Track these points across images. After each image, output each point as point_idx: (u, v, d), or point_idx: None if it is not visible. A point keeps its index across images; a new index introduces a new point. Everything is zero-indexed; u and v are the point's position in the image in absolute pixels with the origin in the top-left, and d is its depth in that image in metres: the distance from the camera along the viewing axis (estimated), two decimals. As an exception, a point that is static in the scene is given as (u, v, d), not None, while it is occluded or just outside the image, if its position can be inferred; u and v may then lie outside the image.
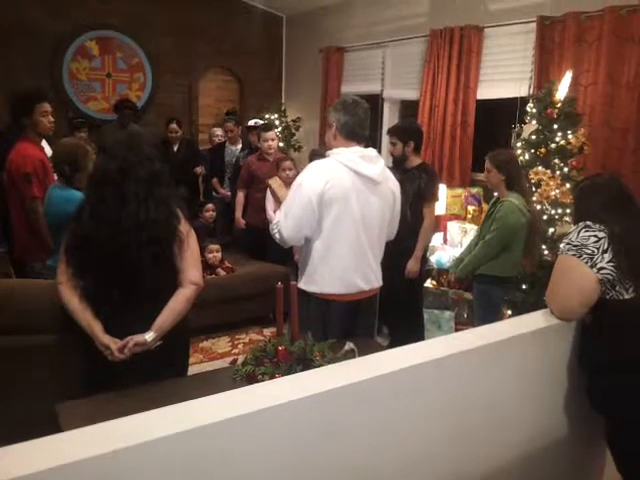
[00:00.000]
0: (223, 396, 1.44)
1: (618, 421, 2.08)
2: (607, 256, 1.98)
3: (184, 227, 2.30)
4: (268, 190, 4.39)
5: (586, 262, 1.99)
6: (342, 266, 2.70)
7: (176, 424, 1.28)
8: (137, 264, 2.17)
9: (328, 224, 2.64)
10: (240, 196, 5.41)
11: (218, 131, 6.81)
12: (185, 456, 1.29)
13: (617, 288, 2.00)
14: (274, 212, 2.92)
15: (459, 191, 5.27)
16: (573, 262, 2.02)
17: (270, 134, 5.24)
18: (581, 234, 2.04)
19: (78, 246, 2.23)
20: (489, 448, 2.03)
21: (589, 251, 1.99)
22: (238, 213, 5.43)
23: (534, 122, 4.08)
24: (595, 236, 2.01)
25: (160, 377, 2.19)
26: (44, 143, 3.83)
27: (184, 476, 1.30)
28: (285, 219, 2.64)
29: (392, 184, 2.86)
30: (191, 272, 2.30)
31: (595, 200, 2.14)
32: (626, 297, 2.00)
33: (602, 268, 1.97)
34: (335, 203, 2.60)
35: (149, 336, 2.18)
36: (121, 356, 2.14)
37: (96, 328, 2.17)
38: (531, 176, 3.96)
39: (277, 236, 2.71)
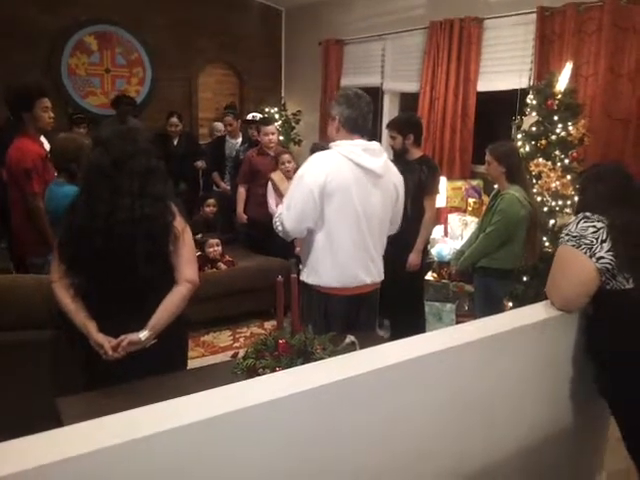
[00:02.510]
0: (222, 390, 1.44)
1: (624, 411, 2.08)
2: (606, 245, 1.98)
3: (179, 224, 2.25)
4: (270, 184, 4.41)
5: (585, 252, 1.99)
6: (344, 258, 2.70)
7: (175, 419, 1.28)
8: (131, 261, 2.13)
9: (330, 216, 2.64)
10: (241, 191, 5.41)
11: (220, 126, 6.79)
12: (183, 451, 1.29)
13: (618, 278, 2.00)
14: (277, 206, 2.92)
15: (459, 183, 5.26)
16: (572, 252, 2.02)
17: (270, 128, 5.24)
18: (580, 225, 2.05)
19: (71, 241, 2.19)
20: (490, 440, 2.03)
21: (587, 241, 1.99)
22: (240, 208, 5.43)
23: (534, 114, 4.07)
24: (594, 226, 2.01)
25: (158, 373, 2.17)
26: (42, 139, 3.82)
27: (183, 470, 1.30)
28: (287, 211, 2.64)
29: (395, 177, 2.85)
30: (186, 270, 2.26)
31: (599, 188, 2.14)
32: (627, 287, 2.00)
33: (601, 257, 1.97)
34: (336, 195, 2.60)
35: (143, 335, 2.14)
36: (115, 355, 2.11)
37: (90, 327, 2.15)
38: (532, 168, 3.95)
39: (280, 228, 2.71)
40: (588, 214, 2.05)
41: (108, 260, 2.15)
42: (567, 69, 4.00)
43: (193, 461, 1.31)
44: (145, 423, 1.27)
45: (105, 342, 2.12)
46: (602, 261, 1.97)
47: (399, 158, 4.05)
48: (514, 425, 2.09)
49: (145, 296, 2.19)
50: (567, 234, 2.07)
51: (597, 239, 1.98)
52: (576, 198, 3.85)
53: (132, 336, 2.13)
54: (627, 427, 2.11)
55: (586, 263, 1.98)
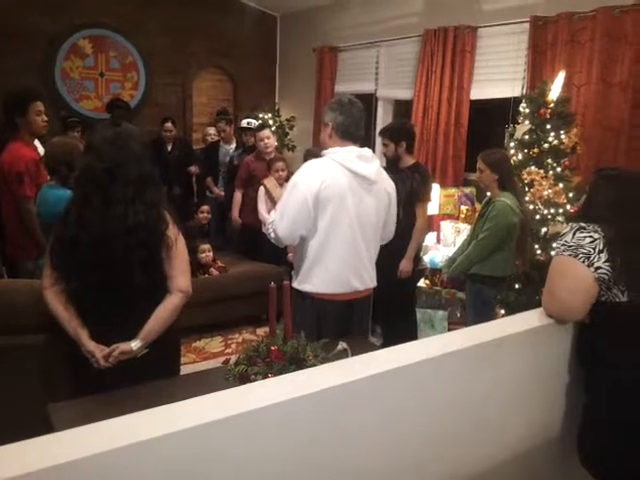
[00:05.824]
0: (214, 397, 1.43)
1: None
2: (603, 256, 1.97)
3: (172, 232, 2.23)
4: (260, 190, 4.40)
5: (583, 261, 1.98)
6: (337, 266, 2.70)
7: (167, 425, 1.28)
8: (124, 269, 2.11)
9: (324, 223, 2.63)
10: (238, 195, 5.41)
11: (211, 130, 6.79)
12: (176, 458, 1.28)
13: (613, 290, 2.00)
14: (268, 212, 2.91)
15: (452, 191, 5.28)
16: (570, 262, 2.01)
17: (264, 133, 5.23)
18: (576, 235, 2.04)
19: (63, 249, 2.16)
20: (483, 447, 2.03)
21: (585, 251, 1.99)
22: (235, 212, 5.42)
23: (527, 122, 4.09)
24: (590, 237, 2.01)
25: (151, 380, 2.15)
26: (37, 142, 3.81)
27: (175, 478, 1.30)
28: (280, 219, 2.63)
29: (387, 184, 2.86)
30: (179, 279, 2.24)
31: (612, 192, 2.12)
32: (621, 300, 2.00)
33: (599, 267, 1.97)
34: (331, 202, 2.60)
35: (135, 344, 2.14)
36: (107, 364, 2.11)
37: (82, 335, 2.13)
38: (524, 176, 3.97)
39: (272, 235, 2.70)
40: (583, 225, 2.05)
41: (101, 268, 2.13)
42: (560, 78, 4.02)
43: (184, 468, 1.30)
44: (136, 429, 1.26)
45: (97, 351, 2.11)
46: (599, 271, 1.96)
47: (392, 165, 4.07)
48: (508, 431, 2.09)
49: (137, 304, 2.18)
50: (563, 244, 2.06)
51: (594, 249, 1.98)
52: (568, 206, 3.87)
53: (124, 345, 2.12)
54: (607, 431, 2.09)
55: (585, 271, 1.97)
